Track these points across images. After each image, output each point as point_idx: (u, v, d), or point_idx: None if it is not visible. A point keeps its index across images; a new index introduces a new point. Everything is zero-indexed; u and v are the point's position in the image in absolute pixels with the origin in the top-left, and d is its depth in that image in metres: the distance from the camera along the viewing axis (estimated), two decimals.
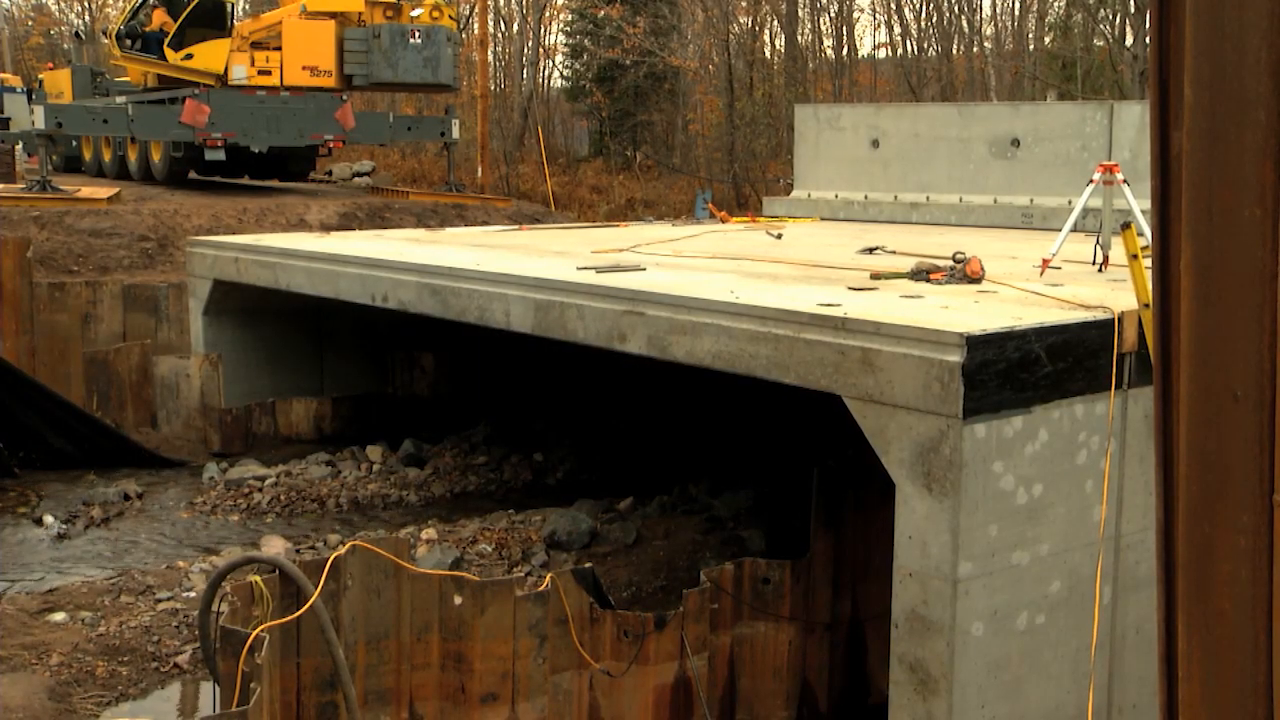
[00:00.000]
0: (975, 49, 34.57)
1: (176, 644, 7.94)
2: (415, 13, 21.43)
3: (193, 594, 8.64)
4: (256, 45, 21.10)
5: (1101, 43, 31.77)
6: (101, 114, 20.21)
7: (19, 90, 27.94)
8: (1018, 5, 36.38)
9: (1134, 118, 14.03)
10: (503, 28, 43.58)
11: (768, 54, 36.76)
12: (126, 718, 7.15)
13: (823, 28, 37.68)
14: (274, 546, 9.87)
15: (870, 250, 11.18)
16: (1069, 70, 31.18)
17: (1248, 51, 1.73)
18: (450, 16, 22.24)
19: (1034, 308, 7.32)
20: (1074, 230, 9.30)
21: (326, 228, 18.43)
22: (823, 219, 16.63)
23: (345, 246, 12.14)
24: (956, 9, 33.84)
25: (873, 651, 8.24)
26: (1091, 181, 9.43)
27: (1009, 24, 36.92)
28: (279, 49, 20.92)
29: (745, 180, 29.50)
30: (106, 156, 23.74)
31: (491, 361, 14.32)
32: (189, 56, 20.78)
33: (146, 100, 21.68)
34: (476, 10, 32.23)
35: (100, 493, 11.58)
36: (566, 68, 40.94)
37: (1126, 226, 7.16)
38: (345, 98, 21.43)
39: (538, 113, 38.37)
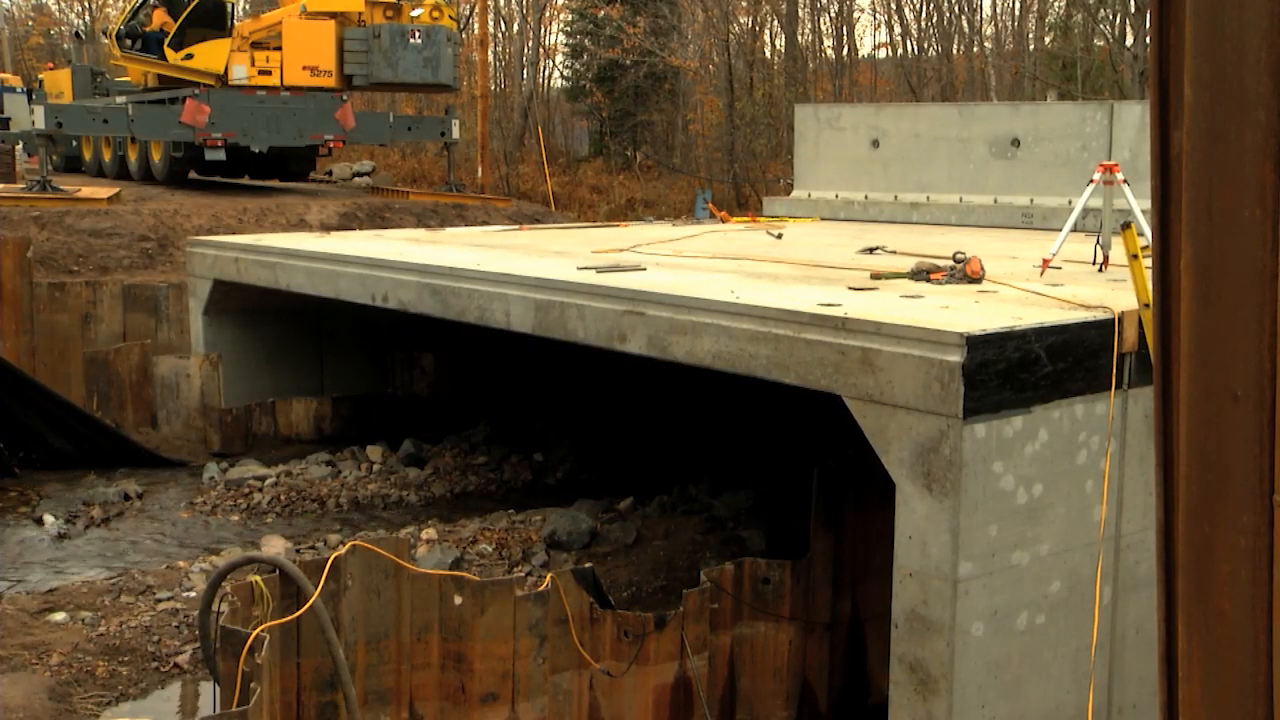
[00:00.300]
0: (975, 49, 34.58)
1: (177, 644, 7.94)
2: (415, 13, 21.43)
3: (193, 594, 8.64)
4: (256, 45, 21.10)
5: (1101, 43, 31.78)
6: (101, 114, 20.21)
7: (19, 90, 27.94)
8: (1018, 5, 36.41)
9: (1134, 118, 14.03)
10: (503, 28, 43.63)
11: (768, 54, 36.78)
12: (126, 718, 7.15)
13: (823, 28, 37.72)
14: (274, 546, 9.87)
15: (870, 250, 11.18)
16: (1069, 70, 31.18)
17: (1248, 51, 1.73)
18: (450, 16, 22.24)
19: (1034, 308, 7.32)
20: (1074, 230, 9.30)
21: (326, 228, 18.44)
22: (823, 219, 16.63)
23: (345, 246, 12.14)
24: (956, 9, 33.85)
25: (873, 651, 8.24)
26: (1091, 181, 9.43)
27: (1009, 24, 36.96)
28: (279, 49, 20.92)
29: (745, 180, 29.51)
30: (106, 156, 23.74)
31: (491, 361, 14.32)
32: (189, 56, 20.79)
33: (146, 100, 21.68)
34: (476, 10, 32.24)
35: (100, 493, 11.58)
36: (566, 68, 40.98)
37: (1126, 226, 7.16)
38: (345, 98, 21.44)
39: (538, 113, 38.38)
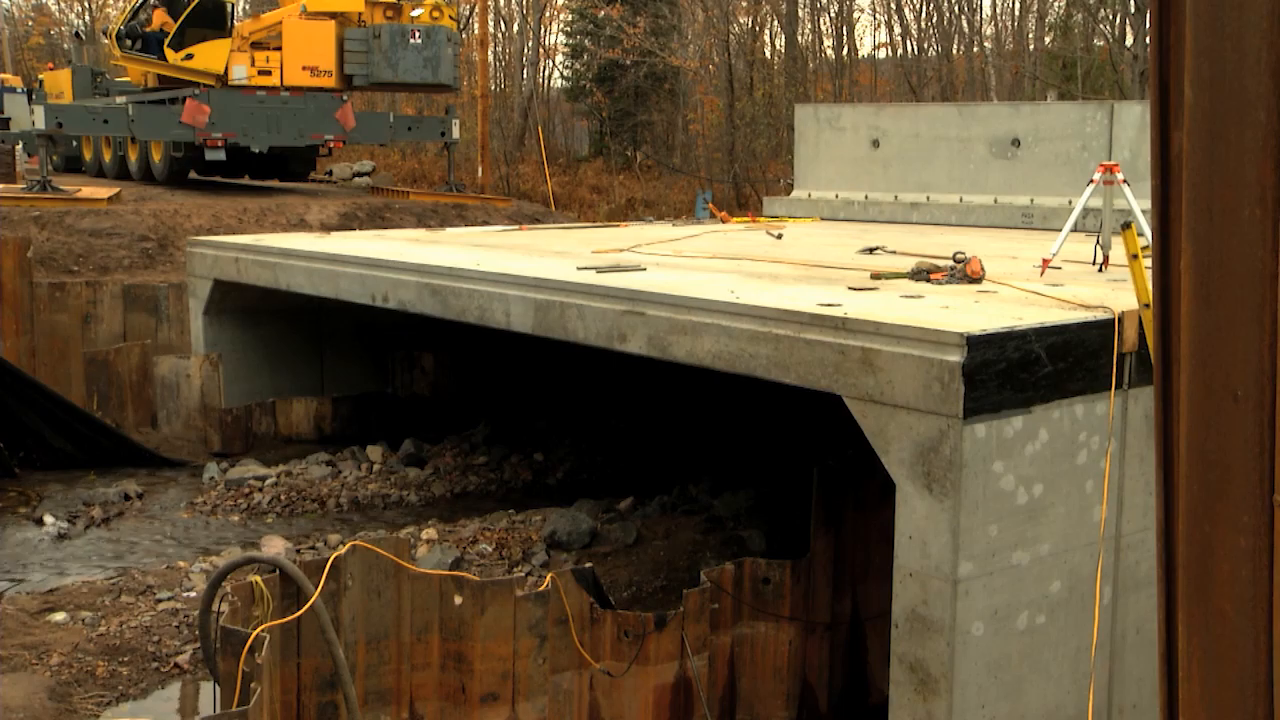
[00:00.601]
0: (975, 49, 34.58)
1: (177, 644, 7.94)
2: (415, 13, 21.43)
3: (193, 594, 8.64)
4: (257, 45, 21.10)
5: (1101, 43, 31.78)
6: (102, 114, 20.21)
7: (19, 90, 27.90)
8: (1018, 5, 36.41)
9: (1134, 118, 14.03)
10: (503, 28, 43.63)
11: (768, 54, 36.77)
12: (127, 718, 7.15)
13: (823, 28, 37.71)
14: (274, 546, 9.87)
15: (870, 250, 11.18)
16: (1069, 70, 31.17)
17: (1248, 51, 1.73)
18: (450, 16, 22.23)
19: (1034, 308, 7.32)
20: (1074, 230, 9.30)
21: (327, 228, 18.44)
22: (823, 219, 16.64)
23: (345, 246, 12.15)
24: (956, 9, 33.85)
25: (873, 651, 8.24)
26: (1092, 181, 9.44)
27: (1009, 24, 36.96)
28: (279, 49, 20.92)
29: (745, 180, 29.51)
30: (107, 156, 23.74)
31: (492, 361, 14.32)
32: (189, 56, 20.78)
33: (147, 100, 21.67)
34: (476, 10, 32.24)
35: (100, 493, 11.58)
36: (566, 68, 40.95)
37: (1127, 226, 7.16)
38: (345, 98, 21.44)
39: (538, 113, 38.37)
